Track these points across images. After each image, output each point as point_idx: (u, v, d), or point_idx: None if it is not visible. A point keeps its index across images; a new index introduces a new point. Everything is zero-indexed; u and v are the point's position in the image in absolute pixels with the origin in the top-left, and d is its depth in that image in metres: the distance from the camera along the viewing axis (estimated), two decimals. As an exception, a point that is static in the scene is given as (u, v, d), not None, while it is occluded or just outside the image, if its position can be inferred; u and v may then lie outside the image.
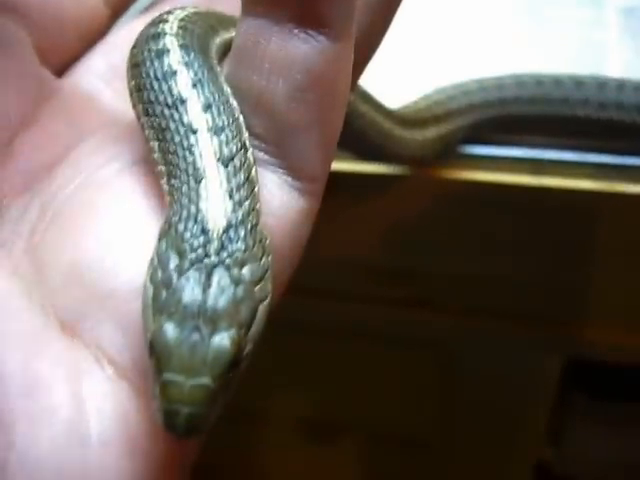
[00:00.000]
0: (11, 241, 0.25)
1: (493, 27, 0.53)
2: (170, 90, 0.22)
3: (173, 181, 0.21)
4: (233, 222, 0.20)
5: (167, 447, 0.21)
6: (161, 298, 0.19)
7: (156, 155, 0.22)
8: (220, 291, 0.19)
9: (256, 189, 0.22)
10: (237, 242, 0.20)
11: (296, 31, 0.21)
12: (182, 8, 0.26)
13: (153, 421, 0.20)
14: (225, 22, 0.27)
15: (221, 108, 0.22)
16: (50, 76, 0.29)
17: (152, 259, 0.20)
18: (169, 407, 0.19)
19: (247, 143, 0.22)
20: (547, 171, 0.44)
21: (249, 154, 0.22)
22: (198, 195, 0.21)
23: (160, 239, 0.20)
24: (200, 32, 0.25)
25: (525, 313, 0.52)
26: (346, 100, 0.24)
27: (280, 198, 0.23)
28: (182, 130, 0.22)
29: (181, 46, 0.23)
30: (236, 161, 0.21)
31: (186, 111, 0.22)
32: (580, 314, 0.51)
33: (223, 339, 0.19)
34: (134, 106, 0.24)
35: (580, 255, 0.47)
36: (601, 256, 0.46)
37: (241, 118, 0.22)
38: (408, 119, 0.42)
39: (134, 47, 0.25)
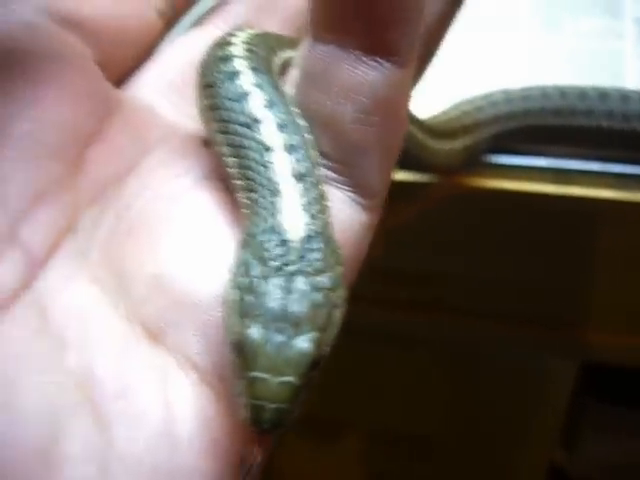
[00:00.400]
0: (86, 250, 0.26)
1: (512, 38, 0.54)
2: (244, 111, 0.24)
3: (250, 195, 0.23)
4: (311, 233, 0.22)
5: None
6: (246, 302, 0.20)
7: (232, 170, 0.24)
8: (301, 296, 0.21)
9: (327, 203, 0.23)
10: (315, 252, 0.21)
11: (365, 58, 0.22)
12: (242, 30, 0.27)
13: (235, 419, 0.21)
14: (281, 43, 0.28)
15: (293, 128, 0.23)
16: (112, 90, 0.30)
17: (234, 267, 0.22)
18: (256, 403, 0.20)
19: (317, 161, 0.23)
20: (570, 180, 0.45)
21: (319, 171, 0.23)
22: (276, 209, 0.22)
23: (242, 248, 0.22)
24: (263, 54, 0.26)
25: (540, 317, 0.52)
26: (406, 121, 0.25)
27: (345, 213, 0.24)
28: (258, 148, 0.23)
29: (252, 69, 0.25)
30: (309, 177, 0.23)
31: (261, 130, 0.23)
32: (596, 319, 0.52)
33: (305, 341, 0.20)
34: (207, 124, 0.25)
35: (600, 262, 0.48)
36: (622, 264, 0.47)
37: (310, 137, 0.24)
38: (438, 130, 0.43)
39: (204, 68, 0.26)
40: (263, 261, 0.21)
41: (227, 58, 0.25)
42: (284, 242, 0.21)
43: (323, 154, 0.24)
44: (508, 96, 0.45)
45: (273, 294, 0.20)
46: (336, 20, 0.22)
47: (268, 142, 0.23)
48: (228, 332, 0.21)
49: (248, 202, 0.23)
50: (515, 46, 0.54)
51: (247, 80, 0.24)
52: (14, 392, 0.22)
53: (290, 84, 0.26)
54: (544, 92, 0.44)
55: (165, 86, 0.31)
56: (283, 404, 0.20)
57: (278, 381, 0.20)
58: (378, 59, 0.22)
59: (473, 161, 0.45)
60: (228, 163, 0.24)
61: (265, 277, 0.21)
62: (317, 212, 0.22)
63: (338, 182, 0.24)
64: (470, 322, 0.54)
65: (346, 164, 0.24)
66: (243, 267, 0.21)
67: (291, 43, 0.29)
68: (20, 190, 0.25)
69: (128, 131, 0.29)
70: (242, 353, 0.20)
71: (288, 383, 0.20)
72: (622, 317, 0.51)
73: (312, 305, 0.21)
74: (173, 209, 0.25)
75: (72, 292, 0.25)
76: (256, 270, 0.21)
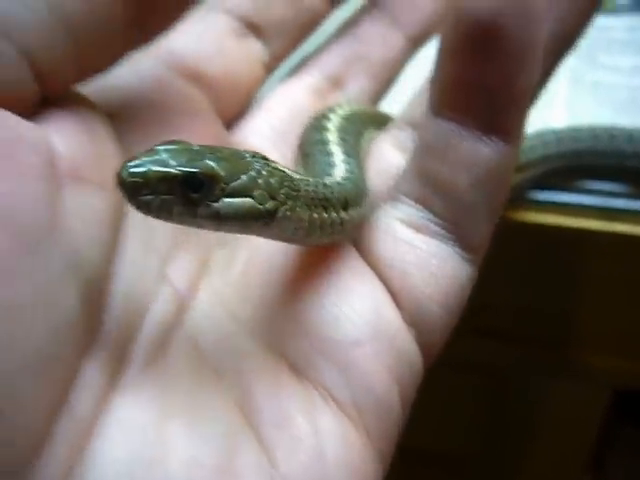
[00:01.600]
0: (222, 288, 0.28)
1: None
2: (327, 161, 0.29)
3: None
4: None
5: (379, 473, 0.26)
6: None
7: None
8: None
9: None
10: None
11: (483, 137, 0.25)
12: (340, 106, 0.32)
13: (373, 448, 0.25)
14: (373, 122, 0.33)
15: (354, 163, 0.29)
16: (230, 138, 0.32)
17: None
18: (130, 161, 0.22)
19: (368, 192, 0.29)
20: (616, 218, 0.46)
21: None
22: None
23: None
24: (353, 130, 0.31)
25: (574, 344, 0.54)
26: (510, 186, 0.27)
27: (452, 265, 0.27)
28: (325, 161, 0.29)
29: (339, 140, 0.30)
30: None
31: (334, 169, 0.29)
32: (630, 348, 0.53)
33: (210, 163, 0.23)
34: (296, 166, 0.30)
35: (637, 295, 0.50)
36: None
37: (367, 181, 0.29)
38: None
39: (305, 132, 0.31)
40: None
41: (323, 128, 0.30)
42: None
43: (436, 214, 0.27)
44: (558, 136, 0.46)
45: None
46: (459, 103, 0.25)
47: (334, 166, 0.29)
48: None
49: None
50: (554, 82, 0.55)
51: (338, 158, 0.29)
52: (194, 420, 0.24)
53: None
54: (594, 133, 0.45)
55: (271, 132, 0.33)
56: (144, 172, 0.22)
57: (157, 162, 0.22)
58: (494, 138, 0.25)
59: (519, 197, 0.47)
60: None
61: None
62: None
63: (448, 239, 0.27)
64: (506, 347, 0.55)
65: (457, 223, 0.27)
66: None
67: (379, 121, 0.34)
68: (165, 235, 0.28)
69: None
70: None
71: (163, 170, 0.22)
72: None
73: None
74: (306, 258, 0.28)
75: (216, 327, 0.27)
76: None
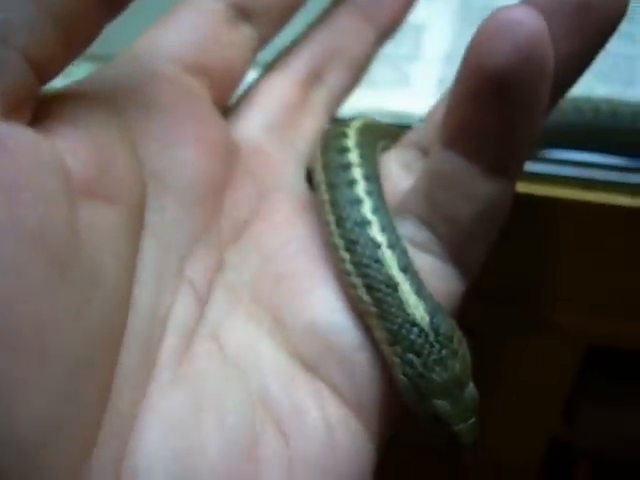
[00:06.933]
0: (236, 287, 0.30)
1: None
2: (359, 213, 0.30)
3: (374, 293, 0.29)
4: (431, 315, 0.28)
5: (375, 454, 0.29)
6: (424, 389, 0.28)
7: (348, 266, 0.29)
8: (454, 362, 0.28)
9: (426, 284, 0.29)
10: (443, 326, 0.28)
11: (487, 175, 0.28)
12: (357, 120, 0.34)
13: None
14: (381, 133, 0.34)
15: (391, 228, 0.30)
16: (230, 132, 0.33)
17: (395, 358, 0.28)
18: (463, 442, 0.28)
19: (407, 250, 0.29)
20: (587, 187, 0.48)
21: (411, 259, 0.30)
22: (401, 302, 0.28)
23: (393, 345, 0.28)
24: (371, 155, 0.32)
25: (550, 304, 0.56)
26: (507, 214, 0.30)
27: (450, 283, 0.30)
28: (370, 245, 0.29)
29: (365, 177, 0.31)
30: (410, 267, 0.29)
31: (371, 230, 0.29)
32: (601, 308, 0.56)
33: (470, 390, 0.29)
34: (322, 205, 0.31)
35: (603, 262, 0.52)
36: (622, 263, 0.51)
37: (400, 233, 0.30)
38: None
39: (323, 153, 0.32)
40: (418, 354, 0.28)
41: (347, 166, 0.31)
42: (421, 333, 0.28)
43: (440, 237, 0.29)
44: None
45: (439, 372, 0.27)
46: (469, 144, 0.27)
47: (376, 240, 0.29)
48: (420, 412, 0.28)
49: (374, 300, 0.28)
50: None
51: (361, 189, 0.30)
52: (223, 413, 0.27)
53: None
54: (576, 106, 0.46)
55: (267, 127, 0.34)
56: (473, 436, 0.28)
57: (469, 424, 0.28)
58: (497, 176, 0.28)
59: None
60: (343, 257, 0.29)
61: (425, 363, 0.28)
62: (427, 295, 0.29)
63: (448, 259, 0.30)
64: (484, 306, 0.57)
65: (456, 246, 0.30)
66: (405, 360, 0.28)
67: (388, 133, 0.35)
68: (183, 234, 0.29)
69: (249, 175, 0.32)
70: (440, 420, 0.28)
71: (474, 422, 0.28)
72: (621, 306, 0.55)
73: (462, 364, 0.28)
74: (315, 265, 0.30)
75: (234, 326, 0.29)
76: (418, 362, 0.28)
